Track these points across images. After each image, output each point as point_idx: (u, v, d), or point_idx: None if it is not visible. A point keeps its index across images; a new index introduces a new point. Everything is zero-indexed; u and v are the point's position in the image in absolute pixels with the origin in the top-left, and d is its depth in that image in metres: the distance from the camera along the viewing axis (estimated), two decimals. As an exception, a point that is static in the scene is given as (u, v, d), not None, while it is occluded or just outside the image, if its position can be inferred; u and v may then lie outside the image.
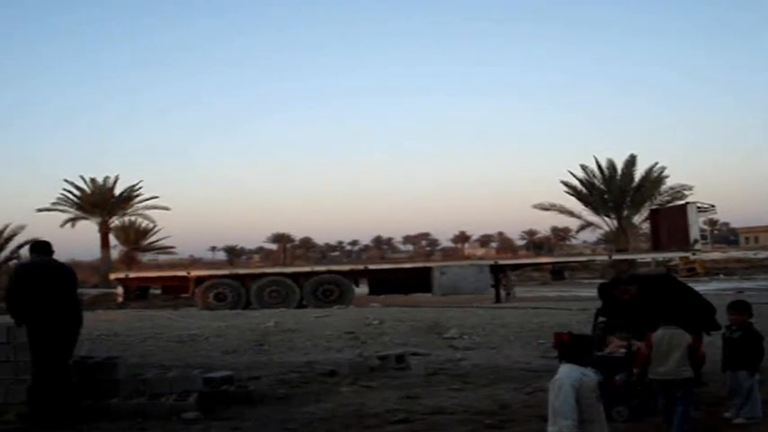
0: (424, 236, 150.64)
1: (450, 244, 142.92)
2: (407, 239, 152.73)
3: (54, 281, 8.78)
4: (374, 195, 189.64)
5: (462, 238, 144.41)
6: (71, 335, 8.83)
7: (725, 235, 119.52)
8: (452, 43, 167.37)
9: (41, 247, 9.28)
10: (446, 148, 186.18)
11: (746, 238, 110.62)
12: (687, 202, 34.65)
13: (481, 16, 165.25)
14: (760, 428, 7.58)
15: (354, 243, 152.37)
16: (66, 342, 8.73)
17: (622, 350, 8.35)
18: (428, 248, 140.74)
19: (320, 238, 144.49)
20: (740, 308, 8.18)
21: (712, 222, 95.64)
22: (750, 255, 61.93)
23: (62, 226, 56.62)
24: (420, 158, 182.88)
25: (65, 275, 9.04)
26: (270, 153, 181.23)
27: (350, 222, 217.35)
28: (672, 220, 33.79)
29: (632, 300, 9.00)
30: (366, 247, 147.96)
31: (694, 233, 31.27)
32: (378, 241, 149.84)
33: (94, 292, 38.11)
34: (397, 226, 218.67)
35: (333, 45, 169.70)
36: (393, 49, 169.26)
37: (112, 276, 33.22)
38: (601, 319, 9.27)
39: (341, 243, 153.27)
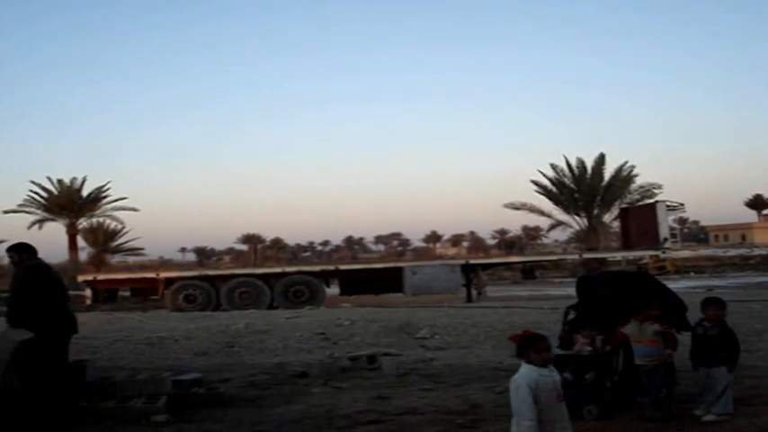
0: (396, 236, 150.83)
1: (422, 244, 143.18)
2: (379, 239, 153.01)
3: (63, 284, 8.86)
4: (345, 195, 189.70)
5: (434, 237, 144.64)
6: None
7: (695, 233, 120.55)
8: (422, 46, 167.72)
9: (34, 250, 9.22)
10: (417, 148, 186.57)
11: (716, 236, 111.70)
12: (657, 201, 34.94)
13: (449, 18, 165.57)
14: (727, 426, 7.62)
15: (326, 243, 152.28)
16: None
17: (588, 348, 8.38)
18: (400, 248, 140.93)
19: (291, 239, 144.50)
20: (718, 304, 8.21)
21: (682, 221, 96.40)
22: (720, 253, 62.54)
23: (29, 228, 56.21)
24: (391, 159, 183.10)
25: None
26: (240, 153, 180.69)
27: (321, 223, 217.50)
28: (642, 218, 34.04)
29: (609, 296, 9.05)
30: (337, 248, 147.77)
31: (664, 231, 31.52)
32: (349, 241, 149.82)
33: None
34: (368, 226, 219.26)
35: (304, 51, 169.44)
36: (364, 53, 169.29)
37: (81, 278, 32.91)
38: (570, 317, 9.28)
39: (312, 243, 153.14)
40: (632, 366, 8.22)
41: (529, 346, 5.39)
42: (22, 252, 9.25)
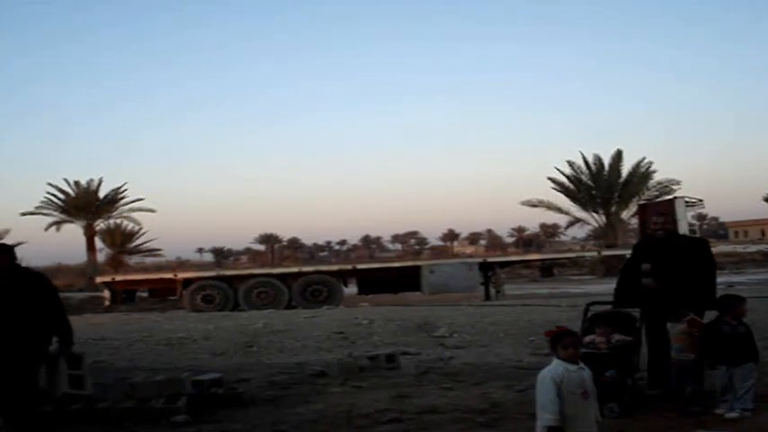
0: (413, 234, 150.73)
1: (439, 242, 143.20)
2: (396, 238, 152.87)
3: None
4: (362, 195, 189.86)
5: (451, 236, 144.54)
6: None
7: (714, 229, 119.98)
8: (439, 45, 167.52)
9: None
10: (433, 146, 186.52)
11: (736, 233, 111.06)
12: (675, 197, 34.74)
13: (465, 17, 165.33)
14: (750, 422, 7.55)
15: (343, 243, 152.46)
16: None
17: (603, 346, 8.33)
18: (417, 247, 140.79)
19: (308, 239, 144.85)
20: (743, 301, 8.24)
21: (701, 217, 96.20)
22: (739, 249, 62.06)
23: (46, 229, 56.51)
24: (408, 157, 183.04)
25: None
26: (256, 153, 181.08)
27: (338, 222, 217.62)
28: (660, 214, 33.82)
29: (663, 239, 8.88)
30: (354, 247, 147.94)
31: (683, 228, 31.30)
32: (366, 241, 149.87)
33: (81, 295, 37.88)
34: (385, 225, 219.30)
35: (318, 49, 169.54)
36: (375, 53, 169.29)
37: (99, 280, 33.14)
38: (589, 314, 9.21)
39: (329, 243, 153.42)
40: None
41: (557, 341, 5.45)
42: (12, 255, 7.70)
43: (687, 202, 32.44)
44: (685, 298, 8.36)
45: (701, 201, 33.60)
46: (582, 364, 5.44)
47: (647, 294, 8.71)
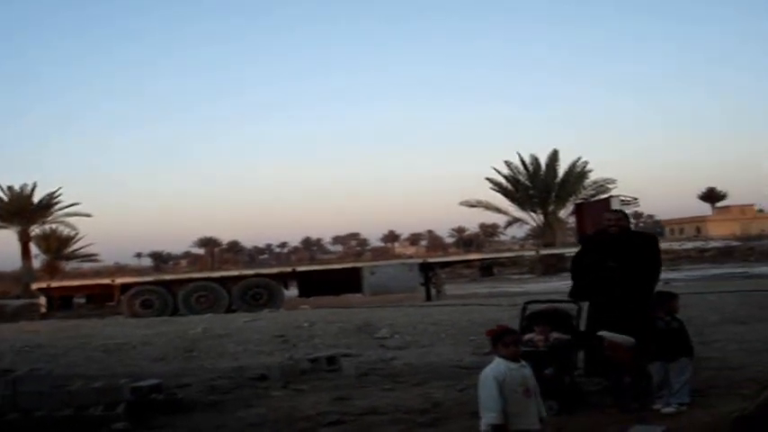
0: (354, 236, 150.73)
1: (380, 243, 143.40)
2: (337, 240, 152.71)
3: None
4: (302, 196, 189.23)
5: (392, 237, 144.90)
6: None
7: (650, 227, 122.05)
8: (377, 42, 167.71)
9: None
10: (373, 147, 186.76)
11: (672, 230, 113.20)
12: (610, 196, 35.28)
13: (405, 15, 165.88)
14: (686, 416, 7.69)
15: (283, 245, 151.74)
16: None
17: (542, 344, 8.42)
18: (358, 248, 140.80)
19: (248, 242, 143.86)
20: (675, 297, 8.45)
21: (638, 215, 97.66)
22: (675, 246, 63.13)
23: (-21, 235, 55.36)
24: (347, 158, 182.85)
25: None
26: (193, 156, 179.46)
27: (278, 224, 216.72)
28: (596, 213, 34.20)
29: (617, 234, 8.91)
30: (295, 249, 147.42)
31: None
32: (307, 243, 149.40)
33: (17, 303, 37.10)
34: (325, 227, 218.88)
35: (264, 54, 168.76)
36: (317, 52, 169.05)
37: (34, 286, 32.54)
38: (527, 312, 9.30)
39: (269, 246, 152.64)
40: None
41: (498, 339, 5.50)
42: None
43: (622, 200, 32.89)
44: (634, 294, 8.49)
45: (635, 199, 34.13)
46: (523, 362, 5.50)
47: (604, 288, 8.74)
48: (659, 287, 8.85)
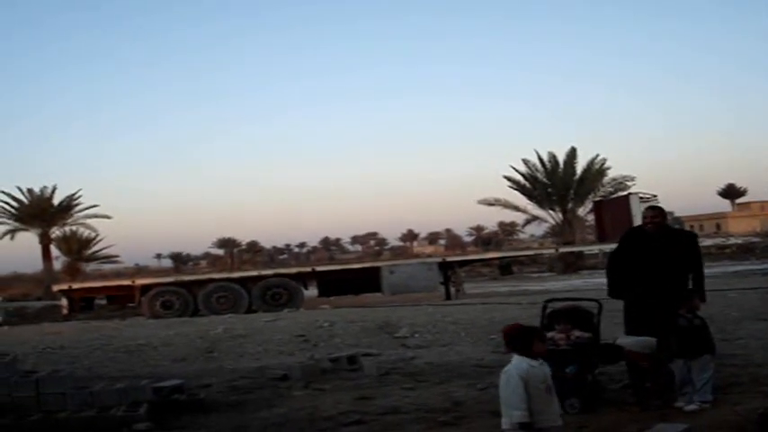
0: (372, 235, 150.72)
1: (399, 243, 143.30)
2: (356, 240, 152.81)
3: None
4: (321, 196, 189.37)
5: (410, 236, 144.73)
6: None
7: (670, 224, 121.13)
8: (394, 42, 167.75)
9: None
10: (391, 147, 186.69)
11: (691, 227, 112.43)
12: (629, 193, 35.14)
13: (420, 12, 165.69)
14: (709, 414, 7.66)
15: (302, 245, 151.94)
16: None
17: (563, 343, 8.40)
18: (377, 248, 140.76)
19: (267, 242, 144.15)
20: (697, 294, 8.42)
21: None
22: (695, 242, 62.58)
23: (0, 238, 55.71)
24: (366, 158, 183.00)
25: None
26: (213, 157, 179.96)
27: (297, 225, 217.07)
28: (615, 210, 34.20)
29: (654, 232, 8.86)
30: (314, 249, 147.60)
31: (638, 223, 31.61)
32: (326, 242, 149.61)
33: (38, 304, 37.42)
34: (344, 227, 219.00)
35: (275, 52, 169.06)
36: (334, 50, 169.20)
37: (56, 288, 32.69)
38: (548, 310, 9.27)
39: (288, 246, 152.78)
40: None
41: (532, 336, 5.47)
42: None
43: (642, 197, 32.80)
44: (679, 291, 8.44)
45: (655, 196, 33.98)
46: (542, 360, 5.48)
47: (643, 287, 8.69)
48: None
